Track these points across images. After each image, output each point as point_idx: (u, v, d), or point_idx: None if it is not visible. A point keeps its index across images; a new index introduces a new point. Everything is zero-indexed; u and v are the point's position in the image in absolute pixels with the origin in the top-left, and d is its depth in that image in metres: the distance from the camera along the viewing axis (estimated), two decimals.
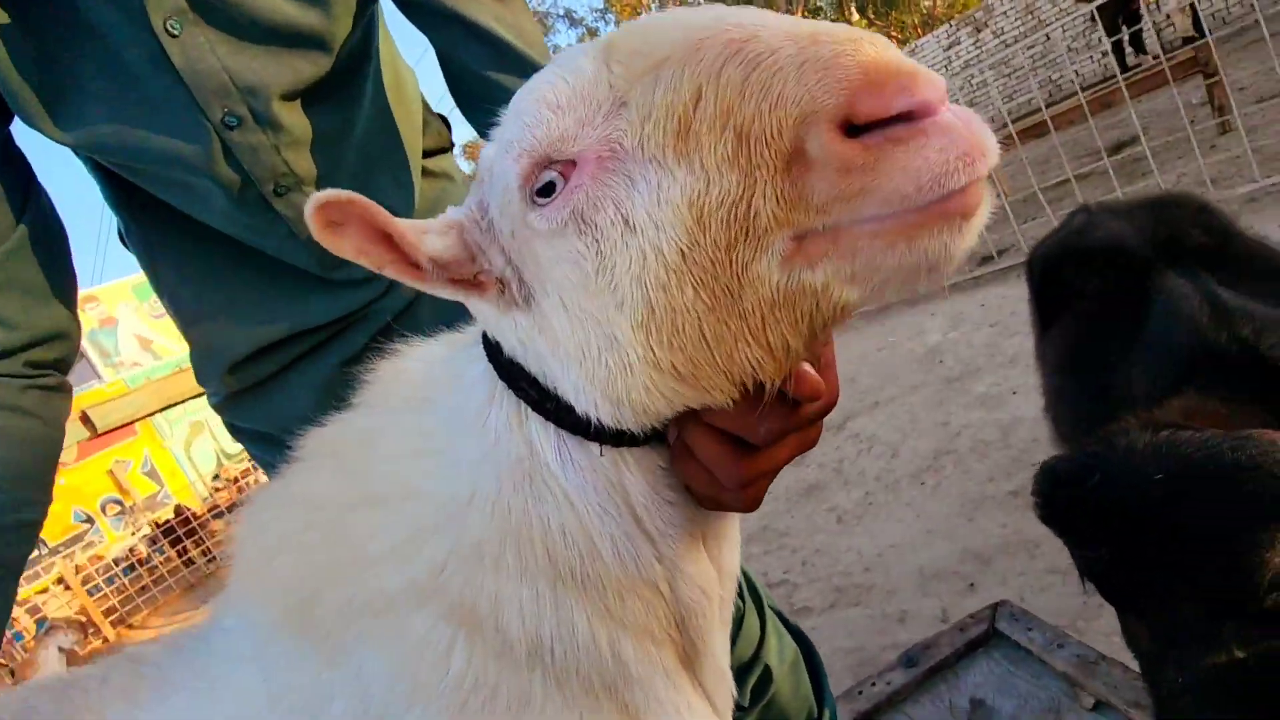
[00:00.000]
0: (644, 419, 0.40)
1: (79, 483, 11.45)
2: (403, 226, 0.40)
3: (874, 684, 1.40)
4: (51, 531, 11.14)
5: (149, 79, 0.68)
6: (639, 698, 0.45)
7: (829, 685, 1.02)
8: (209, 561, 9.76)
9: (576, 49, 0.38)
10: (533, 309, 0.41)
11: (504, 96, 0.43)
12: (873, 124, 0.31)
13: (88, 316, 12.45)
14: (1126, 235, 1.17)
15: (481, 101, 0.69)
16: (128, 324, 12.82)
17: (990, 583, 2.01)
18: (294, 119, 0.75)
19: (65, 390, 0.77)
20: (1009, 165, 5.85)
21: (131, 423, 12.20)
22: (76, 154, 0.76)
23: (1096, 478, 0.74)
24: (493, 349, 0.45)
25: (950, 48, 11.51)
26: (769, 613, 0.98)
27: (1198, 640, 0.71)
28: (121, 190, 0.81)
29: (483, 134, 0.62)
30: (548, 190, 0.37)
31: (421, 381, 0.50)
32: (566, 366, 0.40)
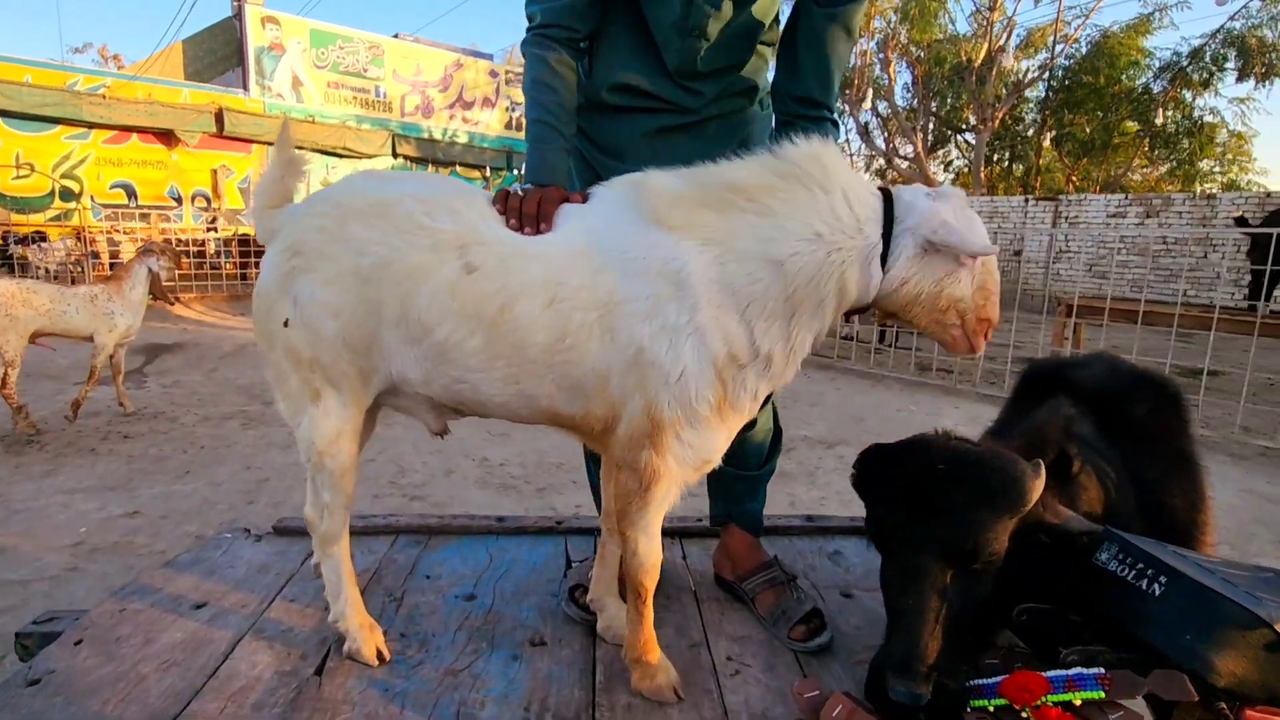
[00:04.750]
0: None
1: (187, 166, 12.40)
2: None
3: None
4: (146, 193, 12.18)
5: None
6: (804, 339, 1.07)
7: (775, 463, 1.60)
8: None
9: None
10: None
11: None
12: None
13: (264, 34, 13.27)
14: (1096, 382, 1.45)
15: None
16: (292, 59, 13.53)
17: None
18: (726, 12, 1.29)
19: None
20: (1092, 334, 6.16)
21: (251, 141, 13.29)
22: None
23: (894, 457, 1.08)
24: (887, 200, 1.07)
25: (1114, 214, 11.55)
26: (771, 401, 1.56)
27: (922, 576, 1.00)
28: None
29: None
30: None
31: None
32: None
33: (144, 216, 11.43)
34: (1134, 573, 1.04)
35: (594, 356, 1.03)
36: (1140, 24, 15.11)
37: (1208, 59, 14.22)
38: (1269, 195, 10.31)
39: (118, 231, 10.51)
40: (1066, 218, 12.14)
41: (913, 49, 16.89)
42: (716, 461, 1.10)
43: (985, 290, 1.05)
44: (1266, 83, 13.65)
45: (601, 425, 1.08)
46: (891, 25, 16.71)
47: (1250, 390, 4.31)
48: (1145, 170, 17.76)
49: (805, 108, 1.35)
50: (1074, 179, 17.96)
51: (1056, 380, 1.54)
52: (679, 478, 1.08)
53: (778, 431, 1.59)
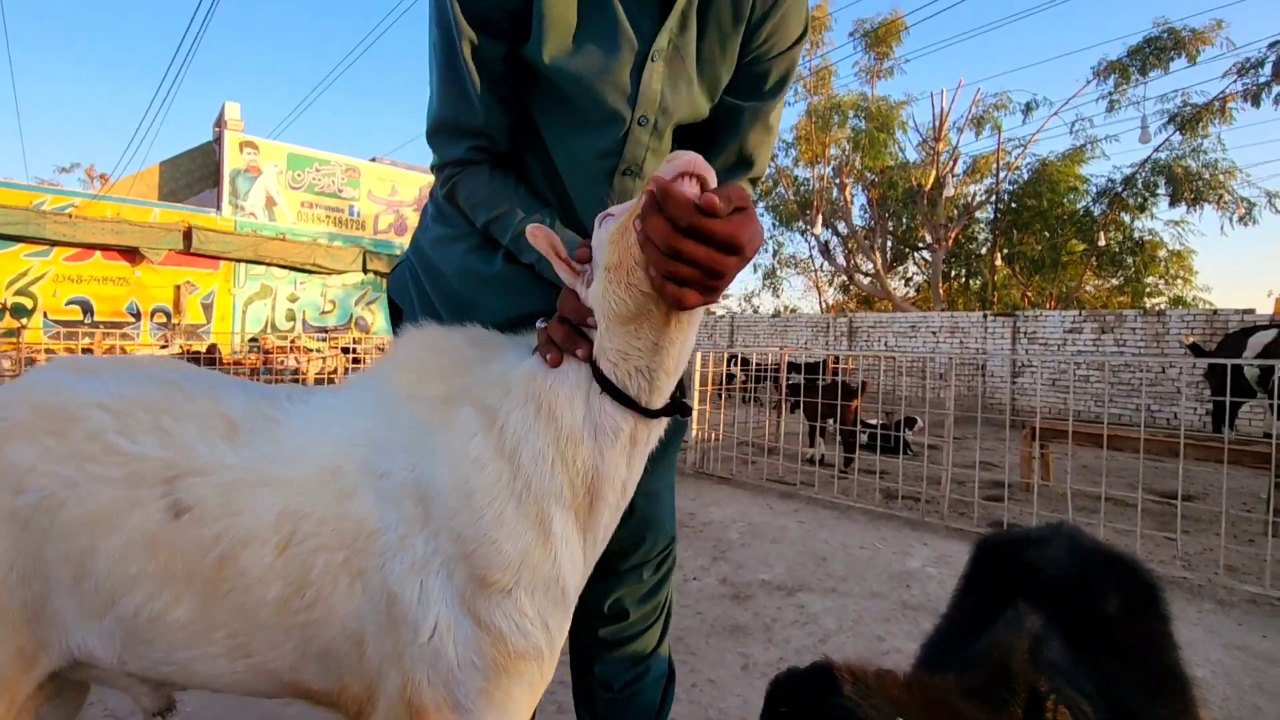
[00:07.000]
0: (616, 324, 0.78)
1: (150, 282, 12.31)
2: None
3: None
4: (103, 309, 11.97)
5: (623, 64, 0.94)
6: (551, 512, 0.78)
7: (669, 712, 1.27)
8: None
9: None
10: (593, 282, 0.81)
11: None
12: None
13: (241, 157, 13.64)
14: (1059, 573, 1.24)
15: None
16: (266, 181, 13.89)
17: None
18: (669, 141, 1.03)
19: None
20: (1061, 458, 6.00)
21: (219, 258, 13.29)
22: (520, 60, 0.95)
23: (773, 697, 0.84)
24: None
25: (1070, 330, 11.81)
26: (667, 637, 1.26)
27: None
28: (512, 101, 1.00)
29: None
30: None
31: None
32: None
33: (89, 334, 11.21)
34: None
35: (343, 612, 0.77)
36: (1075, 154, 16.26)
37: (1140, 185, 15.18)
38: (1215, 313, 10.63)
39: (61, 348, 10.20)
40: (1025, 333, 12.38)
41: (867, 174, 17.89)
42: None
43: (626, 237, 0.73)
44: (1196, 207, 14.54)
45: (357, 707, 0.80)
46: (845, 153, 17.77)
47: (1227, 521, 4.10)
48: (1097, 284, 18.48)
49: None
50: (1029, 294, 18.63)
51: (1014, 566, 1.30)
52: None
53: (670, 673, 1.27)
